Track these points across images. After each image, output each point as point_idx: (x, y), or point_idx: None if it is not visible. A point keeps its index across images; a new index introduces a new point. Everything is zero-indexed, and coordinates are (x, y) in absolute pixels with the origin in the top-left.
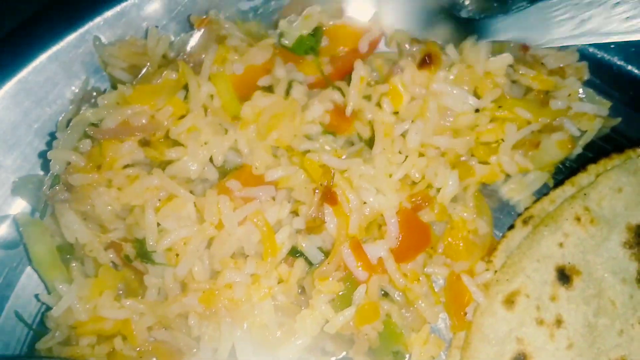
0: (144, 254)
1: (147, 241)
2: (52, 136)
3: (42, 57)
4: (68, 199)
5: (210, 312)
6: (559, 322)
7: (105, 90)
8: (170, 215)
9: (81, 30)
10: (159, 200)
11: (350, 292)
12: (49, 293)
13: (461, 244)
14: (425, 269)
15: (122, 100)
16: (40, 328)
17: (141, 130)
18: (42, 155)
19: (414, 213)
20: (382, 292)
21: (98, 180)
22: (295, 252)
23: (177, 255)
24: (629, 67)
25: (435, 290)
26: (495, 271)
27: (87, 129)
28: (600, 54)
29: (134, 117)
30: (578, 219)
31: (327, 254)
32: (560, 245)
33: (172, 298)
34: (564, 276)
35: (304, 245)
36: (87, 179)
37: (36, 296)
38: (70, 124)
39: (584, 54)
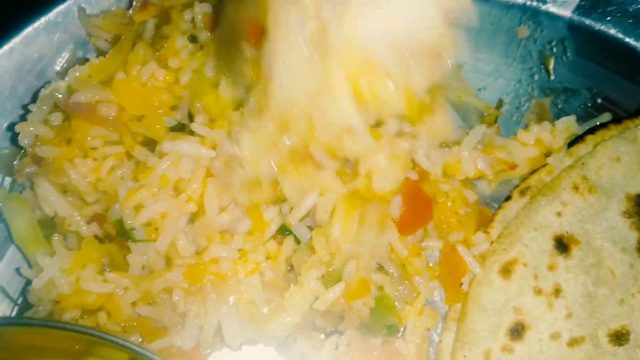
0: (124, 233)
1: (124, 220)
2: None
3: (30, 29)
4: (36, 172)
5: (195, 287)
6: (557, 292)
7: None
8: (146, 188)
9: (69, 2)
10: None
11: (342, 267)
12: (32, 268)
13: (453, 219)
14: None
15: (93, 73)
16: (25, 304)
17: (111, 126)
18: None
19: (418, 185)
20: (377, 266)
21: (67, 154)
22: (284, 230)
23: (157, 229)
24: (626, 39)
25: (430, 265)
26: (492, 242)
27: (56, 101)
28: (597, 25)
29: (103, 107)
30: (576, 188)
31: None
32: (558, 214)
33: (156, 273)
34: (562, 245)
35: (292, 222)
36: (56, 151)
37: (17, 270)
38: (40, 95)
39: (579, 26)
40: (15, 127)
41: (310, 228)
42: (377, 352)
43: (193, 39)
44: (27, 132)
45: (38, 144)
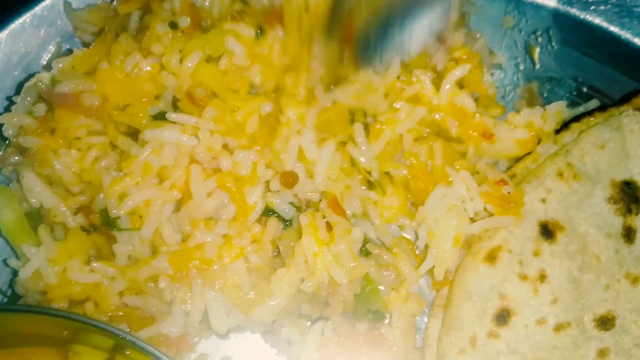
0: (109, 222)
1: (109, 209)
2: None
3: (17, 23)
4: (20, 162)
5: (180, 274)
6: (542, 277)
7: None
8: (130, 176)
9: None
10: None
11: None
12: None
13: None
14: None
15: (77, 64)
16: (13, 296)
17: (94, 115)
18: None
19: None
20: (363, 249)
21: (52, 144)
22: (267, 212)
23: (141, 217)
24: (610, 28)
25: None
26: None
27: (40, 92)
28: (581, 15)
29: (86, 97)
30: (561, 175)
31: (299, 209)
32: (543, 200)
33: (141, 261)
34: (547, 231)
35: (274, 201)
36: (40, 142)
37: (4, 261)
38: (24, 87)
39: (564, 15)
40: (0, 117)
41: (293, 205)
42: (363, 338)
43: (173, 25)
44: (11, 122)
45: (22, 134)
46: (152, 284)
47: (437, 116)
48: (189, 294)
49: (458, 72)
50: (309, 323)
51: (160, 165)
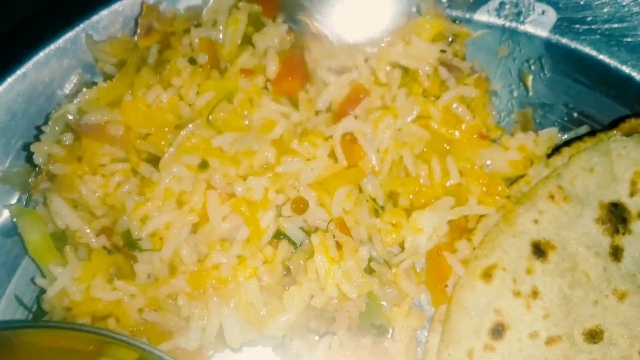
0: (131, 243)
1: (131, 231)
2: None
3: (41, 55)
4: (50, 188)
5: (198, 292)
6: (535, 294)
7: None
8: (151, 201)
9: (78, 29)
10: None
11: None
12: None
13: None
14: None
15: (101, 96)
16: (38, 312)
17: (118, 144)
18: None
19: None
20: (367, 268)
21: (78, 171)
22: (279, 235)
23: (161, 239)
24: (600, 56)
25: (417, 271)
26: (474, 248)
27: (68, 122)
28: (572, 44)
29: (111, 127)
30: (552, 197)
31: (308, 234)
32: (535, 221)
33: (161, 280)
34: (539, 250)
35: (285, 226)
36: (68, 169)
37: (32, 280)
38: (52, 117)
39: (555, 45)
40: (31, 146)
41: (303, 230)
42: (368, 351)
43: (192, 61)
44: (41, 151)
45: (51, 162)
46: (171, 301)
47: (433, 125)
48: (205, 310)
49: (462, 90)
50: (317, 337)
51: (179, 190)
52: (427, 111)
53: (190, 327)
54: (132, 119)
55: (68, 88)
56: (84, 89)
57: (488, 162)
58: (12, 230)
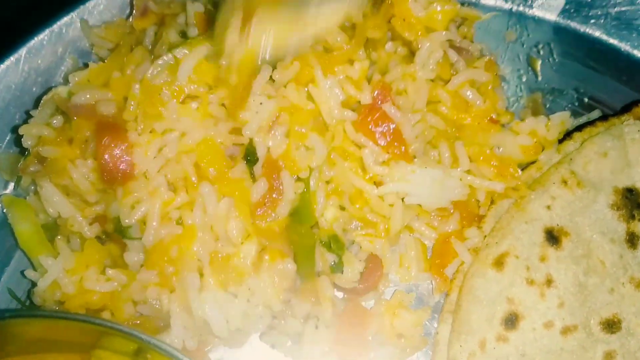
0: (121, 230)
1: (121, 218)
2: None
3: (35, 41)
4: (39, 171)
5: (165, 280)
6: (549, 282)
7: None
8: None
9: (73, 14)
10: None
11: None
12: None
13: None
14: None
15: (92, 78)
16: (31, 306)
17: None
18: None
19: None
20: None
21: (69, 154)
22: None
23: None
24: (610, 40)
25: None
26: (485, 236)
27: (58, 104)
28: (581, 28)
29: (102, 105)
30: (565, 182)
31: None
32: (548, 207)
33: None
34: (552, 237)
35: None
36: (58, 151)
37: (22, 272)
38: (42, 100)
39: (564, 29)
40: (19, 129)
41: None
42: (347, 315)
43: (183, 34)
44: (30, 133)
45: (41, 144)
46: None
47: (443, 109)
48: (183, 300)
49: (472, 73)
50: (302, 320)
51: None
52: (435, 96)
53: (172, 322)
54: (123, 97)
55: (62, 74)
56: (76, 71)
57: (500, 149)
58: (3, 222)
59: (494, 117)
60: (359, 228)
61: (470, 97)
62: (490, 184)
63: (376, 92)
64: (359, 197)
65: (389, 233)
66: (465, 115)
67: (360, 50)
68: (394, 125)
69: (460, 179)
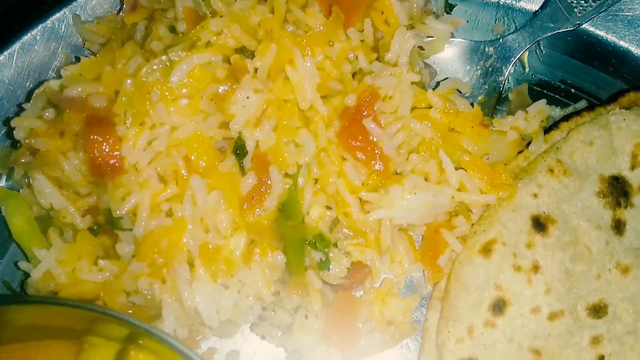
0: (112, 221)
1: (112, 209)
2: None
3: (28, 36)
4: (31, 162)
5: (155, 270)
6: (535, 268)
7: None
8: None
9: (66, 10)
10: None
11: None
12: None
13: None
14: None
15: (84, 72)
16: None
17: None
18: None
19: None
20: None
21: (61, 146)
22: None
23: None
24: (597, 32)
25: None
26: (473, 224)
27: (50, 97)
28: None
29: (94, 99)
30: (551, 171)
31: None
32: (535, 195)
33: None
34: (539, 225)
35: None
36: (50, 143)
37: (15, 264)
38: (34, 93)
39: None
40: (11, 121)
41: None
42: (337, 304)
43: (172, 29)
44: (21, 126)
45: (33, 136)
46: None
47: (434, 114)
48: (174, 291)
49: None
50: (292, 312)
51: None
52: (421, 101)
53: (163, 312)
54: (114, 91)
55: (55, 69)
56: (68, 65)
57: (488, 157)
58: None
59: (483, 121)
60: (349, 237)
61: (457, 101)
62: (482, 198)
63: (363, 100)
64: (346, 206)
65: (380, 246)
66: (454, 119)
67: (340, 30)
68: (374, 139)
69: (453, 197)
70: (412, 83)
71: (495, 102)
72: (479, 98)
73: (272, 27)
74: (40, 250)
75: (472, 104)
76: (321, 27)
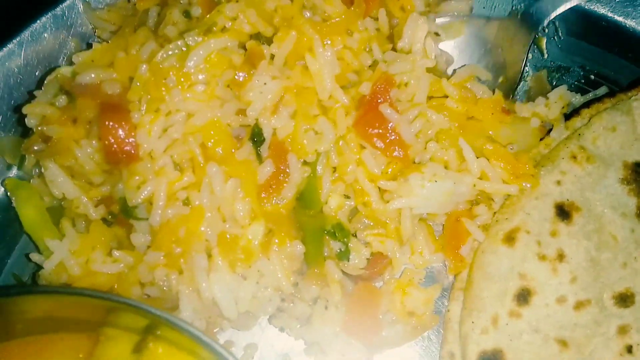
0: (127, 211)
1: (127, 199)
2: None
3: (38, 24)
4: (43, 150)
5: (172, 262)
6: (560, 257)
7: None
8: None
9: None
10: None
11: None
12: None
13: None
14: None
15: (96, 58)
16: None
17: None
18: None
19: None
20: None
21: (73, 134)
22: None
23: (151, 204)
24: (615, 17)
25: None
26: (494, 213)
27: (62, 83)
28: (587, 5)
29: (107, 85)
30: (574, 157)
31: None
32: (558, 182)
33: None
34: (563, 212)
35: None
36: (62, 131)
37: (26, 255)
38: (46, 80)
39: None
40: (22, 108)
41: None
42: (357, 295)
43: (187, 14)
44: (33, 113)
45: (45, 123)
46: (165, 277)
47: (452, 104)
48: (191, 282)
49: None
50: (310, 303)
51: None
52: (437, 91)
53: (181, 304)
54: (127, 77)
55: (65, 57)
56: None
57: (513, 147)
58: (8, 206)
59: (505, 106)
60: (369, 227)
61: (475, 87)
62: (504, 187)
63: (378, 87)
64: (365, 195)
65: (400, 237)
66: (473, 107)
67: (360, 20)
68: (392, 125)
69: (474, 185)
70: (428, 70)
71: (516, 83)
72: (500, 79)
73: (293, 14)
74: (53, 241)
75: (492, 91)
76: (342, 16)
